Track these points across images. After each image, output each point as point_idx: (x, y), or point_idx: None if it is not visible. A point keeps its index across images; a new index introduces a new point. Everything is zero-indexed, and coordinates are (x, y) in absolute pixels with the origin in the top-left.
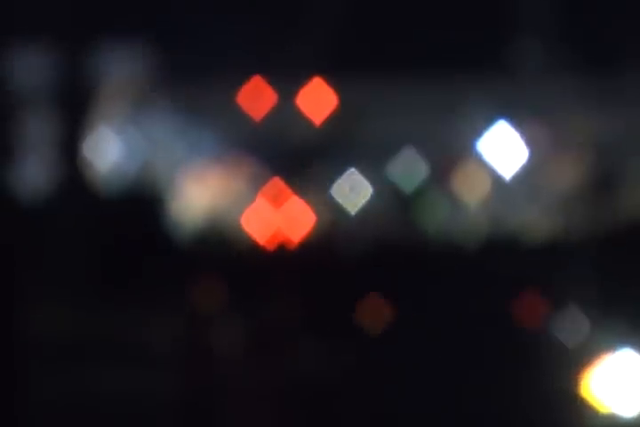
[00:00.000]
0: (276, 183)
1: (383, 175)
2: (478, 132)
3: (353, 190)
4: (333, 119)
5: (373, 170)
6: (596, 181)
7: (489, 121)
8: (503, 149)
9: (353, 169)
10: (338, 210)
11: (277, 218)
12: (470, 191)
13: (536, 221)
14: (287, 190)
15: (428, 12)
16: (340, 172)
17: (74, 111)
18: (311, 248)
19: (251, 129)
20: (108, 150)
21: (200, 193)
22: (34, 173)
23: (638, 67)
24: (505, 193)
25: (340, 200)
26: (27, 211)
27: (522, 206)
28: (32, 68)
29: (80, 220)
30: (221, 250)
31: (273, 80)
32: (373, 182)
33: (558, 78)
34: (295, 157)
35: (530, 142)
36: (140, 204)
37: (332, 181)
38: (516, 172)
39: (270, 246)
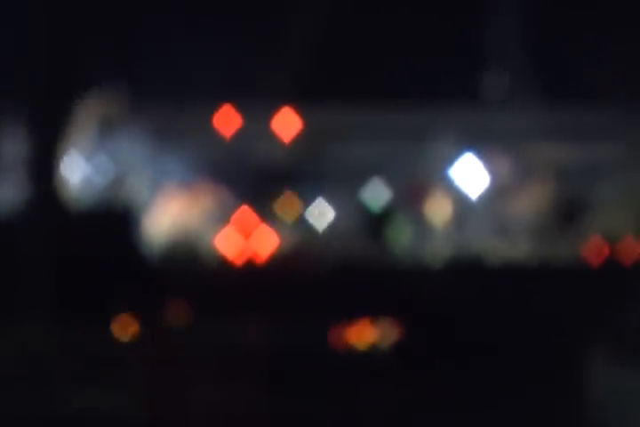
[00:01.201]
0: (244, 211)
1: (352, 198)
2: (445, 160)
3: (321, 214)
4: (302, 144)
5: (342, 193)
6: (558, 207)
7: (456, 148)
8: (469, 176)
9: (320, 198)
10: (307, 231)
11: (245, 241)
12: (436, 215)
13: (499, 245)
14: (254, 218)
15: (400, 42)
16: (309, 194)
17: (48, 131)
18: (276, 264)
19: (220, 154)
20: (79, 170)
21: (169, 214)
22: (9, 189)
23: (603, 99)
24: (469, 217)
25: (310, 222)
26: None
27: (485, 231)
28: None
29: (51, 233)
30: (192, 265)
31: (242, 107)
32: (342, 205)
33: (523, 109)
34: (264, 181)
35: (494, 171)
36: (111, 219)
37: (303, 203)
38: (481, 198)
39: (239, 263)
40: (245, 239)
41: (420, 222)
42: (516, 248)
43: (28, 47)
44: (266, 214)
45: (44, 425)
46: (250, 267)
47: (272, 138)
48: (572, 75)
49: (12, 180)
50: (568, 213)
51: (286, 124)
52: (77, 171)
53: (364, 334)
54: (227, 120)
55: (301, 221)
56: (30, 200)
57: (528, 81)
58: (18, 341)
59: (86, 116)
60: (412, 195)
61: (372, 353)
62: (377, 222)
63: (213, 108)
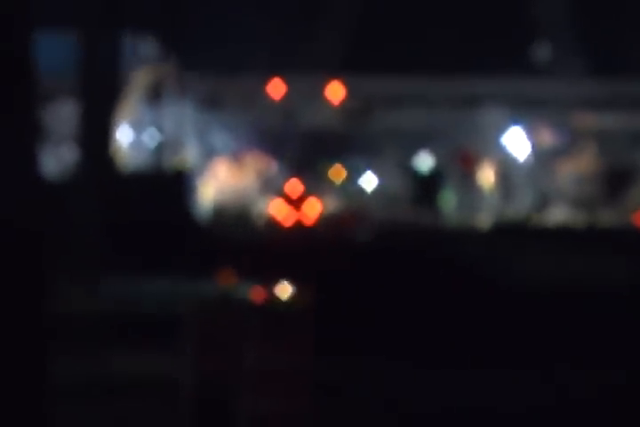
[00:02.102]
0: (294, 184)
1: (404, 164)
2: (495, 128)
3: (371, 180)
4: (352, 113)
5: (394, 159)
6: (604, 176)
7: (505, 117)
8: (518, 144)
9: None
10: (356, 196)
11: (295, 211)
12: (486, 181)
13: (545, 210)
14: (303, 191)
15: (447, 16)
16: (359, 163)
17: (102, 98)
18: (324, 226)
19: (269, 124)
20: (132, 136)
21: (219, 180)
22: (66, 154)
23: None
24: (518, 184)
25: (359, 187)
26: (57, 188)
27: (533, 198)
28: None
29: (105, 195)
30: (245, 226)
31: (291, 79)
32: (393, 171)
33: (571, 79)
34: (313, 150)
35: (542, 139)
36: (163, 183)
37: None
38: (530, 165)
39: (288, 224)
40: (295, 210)
41: (470, 188)
42: (561, 215)
43: (79, 22)
44: (315, 183)
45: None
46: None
47: (321, 108)
48: (616, 46)
49: (69, 145)
50: (614, 182)
51: (335, 94)
52: (130, 137)
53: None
54: (276, 91)
55: (351, 187)
56: (86, 164)
57: (574, 52)
58: (64, 300)
59: (137, 85)
60: (462, 161)
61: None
62: (427, 188)
63: (262, 79)
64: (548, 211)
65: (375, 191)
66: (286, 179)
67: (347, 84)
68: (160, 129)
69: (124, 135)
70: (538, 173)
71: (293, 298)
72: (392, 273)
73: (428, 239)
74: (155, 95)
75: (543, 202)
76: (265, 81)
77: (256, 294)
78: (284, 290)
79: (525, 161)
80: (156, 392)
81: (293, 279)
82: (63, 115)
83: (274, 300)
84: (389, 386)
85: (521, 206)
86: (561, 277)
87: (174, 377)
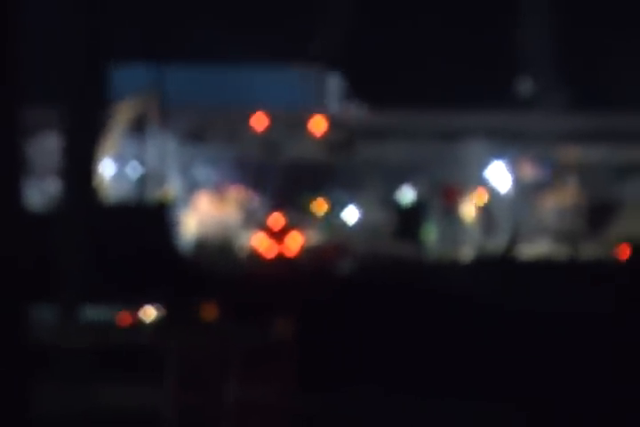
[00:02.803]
0: (276, 217)
1: (387, 196)
2: (478, 162)
3: (352, 214)
4: (337, 145)
5: (378, 190)
6: (588, 209)
7: (488, 151)
8: (500, 178)
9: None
10: (341, 228)
11: (277, 244)
12: (468, 215)
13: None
14: (285, 224)
15: (431, 51)
16: (341, 197)
17: (84, 133)
18: (307, 259)
19: (251, 158)
20: (114, 169)
21: (200, 213)
22: (50, 187)
23: (631, 104)
24: (500, 218)
25: (340, 221)
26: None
27: (513, 229)
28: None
29: (89, 227)
30: (228, 258)
31: (274, 114)
32: (376, 204)
33: (553, 113)
34: (296, 185)
35: (524, 173)
36: (144, 215)
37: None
38: (512, 198)
39: (270, 257)
40: (277, 243)
41: (453, 221)
42: (543, 247)
43: (62, 52)
44: (297, 216)
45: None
46: (281, 261)
47: (304, 141)
48: (599, 81)
49: (51, 178)
50: (596, 215)
51: (318, 127)
52: (113, 169)
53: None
54: (259, 124)
55: (333, 220)
56: (69, 196)
57: (557, 86)
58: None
59: (121, 118)
60: (445, 195)
61: None
62: (410, 221)
63: (246, 112)
64: (531, 244)
65: (357, 224)
66: (269, 212)
67: (330, 117)
68: (143, 162)
69: (107, 168)
70: (520, 207)
71: (158, 321)
72: (374, 306)
73: (409, 272)
74: (138, 128)
75: (526, 235)
76: (248, 115)
77: (122, 317)
78: (149, 313)
79: (508, 194)
80: (137, 425)
81: (276, 312)
82: (47, 147)
83: (139, 322)
84: (371, 418)
85: (503, 239)
86: (542, 308)
87: (155, 410)
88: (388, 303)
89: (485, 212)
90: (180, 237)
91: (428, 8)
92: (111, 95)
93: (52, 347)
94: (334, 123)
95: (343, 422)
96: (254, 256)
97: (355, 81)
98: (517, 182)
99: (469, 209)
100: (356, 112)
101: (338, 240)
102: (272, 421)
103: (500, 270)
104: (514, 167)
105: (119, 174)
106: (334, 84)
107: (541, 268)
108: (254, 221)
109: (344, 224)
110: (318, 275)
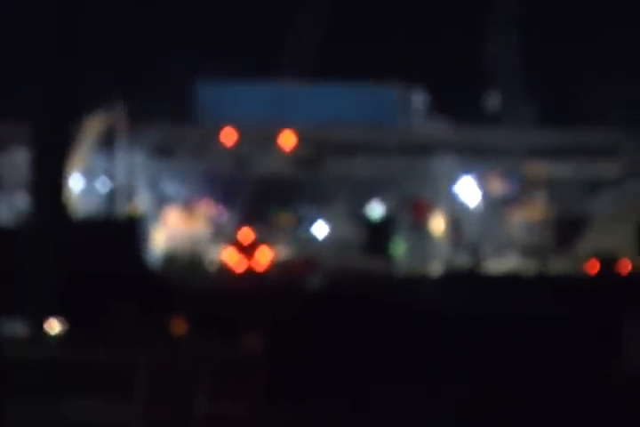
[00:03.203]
0: (245, 231)
1: (357, 210)
2: (446, 177)
3: (321, 229)
4: (306, 160)
5: (347, 205)
6: (556, 223)
7: (456, 166)
8: (468, 193)
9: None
10: (310, 243)
11: (246, 255)
12: (437, 229)
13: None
14: (254, 239)
15: (398, 65)
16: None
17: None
18: (276, 273)
19: (220, 172)
20: (83, 184)
21: (168, 228)
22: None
23: (599, 120)
24: (469, 232)
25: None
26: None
27: (482, 244)
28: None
29: (57, 241)
30: (197, 272)
31: (243, 129)
32: (346, 216)
33: (521, 129)
34: (265, 199)
35: (493, 188)
36: (113, 229)
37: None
38: (480, 213)
39: (240, 271)
40: (246, 257)
41: (422, 236)
42: (512, 262)
43: (30, 68)
44: (266, 231)
45: None
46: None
47: (273, 156)
48: (566, 97)
49: (20, 193)
50: (564, 230)
51: (287, 142)
52: (82, 184)
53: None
54: (228, 139)
55: (302, 235)
56: (38, 211)
57: (525, 101)
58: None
59: (89, 133)
60: (414, 210)
61: None
62: (379, 235)
63: (214, 127)
64: (500, 258)
65: (326, 239)
66: (238, 226)
67: (298, 132)
68: (112, 176)
69: (76, 182)
70: (489, 221)
71: (62, 333)
72: (343, 320)
73: (378, 286)
74: (107, 142)
75: (494, 250)
76: (217, 129)
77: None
78: (53, 326)
79: (476, 209)
80: None
81: (245, 326)
82: (16, 162)
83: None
84: None
85: (472, 254)
86: (509, 321)
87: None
88: (356, 318)
89: (454, 226)
90: (150, 251)
91: (397, 22)
92: (198, 112)
93: (18, 360)
94: (303, 138)
95: None
96: (224, 271)
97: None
98: (486, 197)
99: (438, 224)
100: (325, 128)
101: (307, 255)
102: None
103: (467, 285)
104: (482, 182)
105: (88, 189)
106: (418, 99)
107: (509, 282)
108: (223, 235)
109: (313, 239)
110: (288, 290)
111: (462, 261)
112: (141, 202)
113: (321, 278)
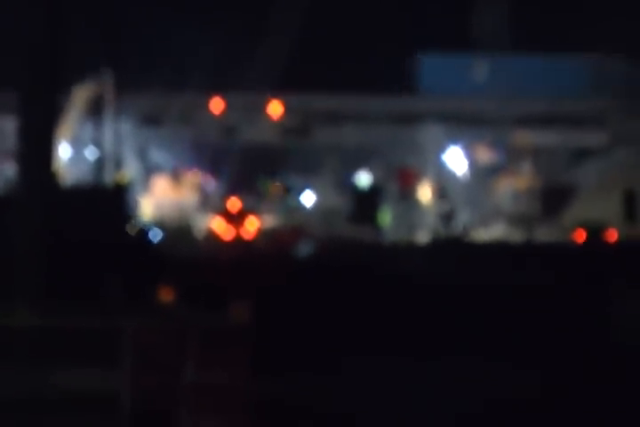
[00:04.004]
0: (233, 200)
1: (344, 179)
2: (433, 145)
3: (309, 198)
4: (293, 129)
5: (334, 174)
6: (543, 192)
7: (443, 135)
8: (455, 162)
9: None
10: (298, 211)
11: (233, 224)
12: (425, 198)
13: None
14: (242, 207)
15: (386, 34)
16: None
17: (40, 116)
18: (264, 242)
19: (208, 142)
20: (71, 153)
21: (156, 197)
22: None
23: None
24: (455, 201)
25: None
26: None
27: (469, 213)
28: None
29: (46, 209)
30: (185, 241)
31: (231, 97)
32: (333, 185)
33: (506, 97)
34: (253, 169)
35: (480, 156)
36: (101, 197)
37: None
38: (467, 182)
39: (227, 240)
40: (234, 226)
41: (409, 204)
42: (499, 230)
43: (18, 38)
44: (254, 199)
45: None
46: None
47: (261, 125)
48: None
49: (9, 162)
50: (551, 198)
51: (275, 111)
52: (70, 153)
53: None
54: (216, 108)
55: (290, 203)
56: (26, 179)
57: (509, 70)
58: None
59: (77, 101)
60: (401, 179)
61: None
62: (366, 204)
63: (202, 96)
64: (486, 227)
65: (314, 207)
66: (226, 195)
67: (286, 101)
68: (99, 145)
69: (64, 151)
70: (476, 190)
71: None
72: (330, 288)
73: (366, 255)
74: (94, 111)
75: (481, 218)
76: (205, 98)
77: None
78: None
79: (463, 178)
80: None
81: (233, 294)
82: (4, 130)
83: None
84: (328, 401)
85: (459, 222)
86: (495, 289)
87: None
88: (344, 286)
89: (441, 195)
90: (138, 219)
91: None
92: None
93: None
94: (290, 107)
95: (298, 405)
96: (211, 239)
97: None
98: (473, 166)
99: (425, 193)
100: (312, 97)
101: (294, 224)
102: (228, 402)
103: (454, 253)
104: (469, 151)
105: (76, 158)
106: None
107: (495, 250)
108: (211, 204)
109: (301, 207)
110: (275, 258)
111: (450, 229)
112: (129, 171)
113: (308, 247)
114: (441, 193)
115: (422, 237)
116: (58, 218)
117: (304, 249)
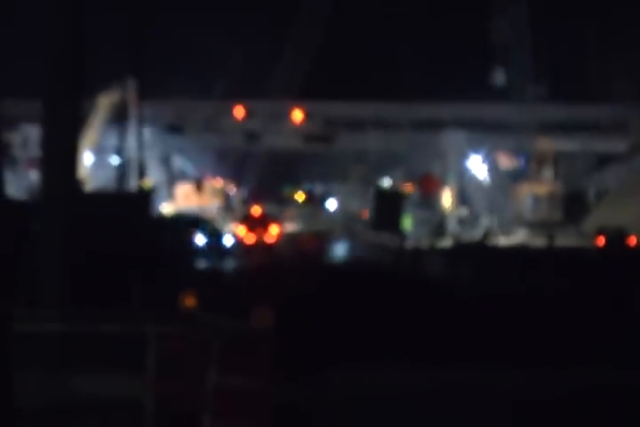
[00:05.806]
0: (255, 207)
1: (367, 185)
2: (456, 152)
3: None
4: (316, 136)
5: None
6: (564, 198)
7: (465, 142)
8: (478, 169)
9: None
10: (321, 217)
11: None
12: (447, 204)
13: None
14: (264, 214)
15: (408, 43)
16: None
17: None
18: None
19: (231, 151)
20: (95, 159)
21: (181, 203)
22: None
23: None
24: (478, 207)
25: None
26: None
27: (490, 218)
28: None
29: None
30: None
31: (255, 106)
32: (357, 191)
33: (530, 105)
34: (275, 176)
35: (502, 164)
36: (128, 201)
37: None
38: (489, 188)
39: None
40: (256, 233)
41: (432, 210)
42: (520, 236)
43: (44, 45)
44: (277, 206)
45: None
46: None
47: (284, 133)
48: (574, 72)
49: (34, 169)
50: (572, 204)
51: (297, 118)
52: (94, 159)
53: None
54: (239, 116)
55: (313, 210)
56: (51, 185)
57: (533, 78)
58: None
59: (101, 109)
60: (424, 185)
61: None
62: (389, 210)
63: (226, 104)
64: (508, 233)
65: (337, 213)
66: (248, 201)
67: (309, 108)
68: (123, 152)
69: (87, 158)
70: (497, 196)
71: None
72: (354, 293)
73: (389, 260)
74: (118, 119)
75: (502, 224)
76: (228, 106)
77: None
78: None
79: (485, 184)
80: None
81: (256, 300)
82: (30, 138)
83: None
84: (351, 407)
85: (480, 228)
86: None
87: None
88: (368, 291)
89: (463, 201)
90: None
91: (404, 2)
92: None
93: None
94: (312, 114)
95: (321, 410)
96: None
97: None
98: (494, 172)
99: (447, 199)
100: (335, 104)
101: (318, 230)
102: (252, 409)
103: (476, 258)
104: (491, 158)
105: (100, 164)
106: None
107: (518, 255)
108: (234, 210)
109: (324, 213)
110: (299, 264)
111: (471, 235)
112: (152, 178)
113: (344, 249)
114: (463, 199)
115: (444, 242)
116: (80, 223)
117: (327, 255)
